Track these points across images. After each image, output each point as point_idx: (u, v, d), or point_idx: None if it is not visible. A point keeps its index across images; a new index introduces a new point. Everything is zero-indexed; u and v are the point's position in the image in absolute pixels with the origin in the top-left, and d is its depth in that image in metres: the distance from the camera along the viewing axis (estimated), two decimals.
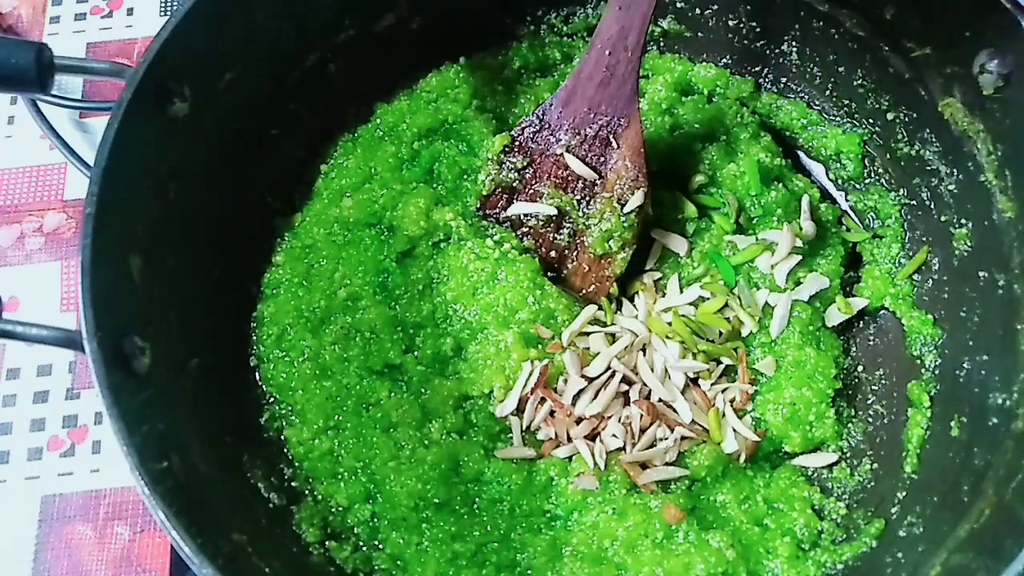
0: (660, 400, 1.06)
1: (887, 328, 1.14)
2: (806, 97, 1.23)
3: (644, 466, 1.04)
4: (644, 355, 1.08)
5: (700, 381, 1.08)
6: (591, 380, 1.05)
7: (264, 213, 1.15)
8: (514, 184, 1.16)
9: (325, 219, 1.15)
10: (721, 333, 1.09)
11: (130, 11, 1.46)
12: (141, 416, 0.84)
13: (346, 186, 1.17)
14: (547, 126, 1.13)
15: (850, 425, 1.09)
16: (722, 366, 1.08)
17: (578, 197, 1.14)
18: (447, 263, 1.12)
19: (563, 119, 1.12)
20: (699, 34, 1.26)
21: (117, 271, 0.91)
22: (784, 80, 1.24)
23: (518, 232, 1.16)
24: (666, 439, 1.04)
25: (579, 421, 1.04)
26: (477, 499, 1.02)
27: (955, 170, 1.06)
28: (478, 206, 1.17)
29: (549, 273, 1.14)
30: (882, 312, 1.14)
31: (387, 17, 1.20)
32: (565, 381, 1.06)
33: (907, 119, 1.12)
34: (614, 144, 1.11)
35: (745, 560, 0.99)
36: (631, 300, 1.14)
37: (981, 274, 1.03)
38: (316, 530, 1.01)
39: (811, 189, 1.17)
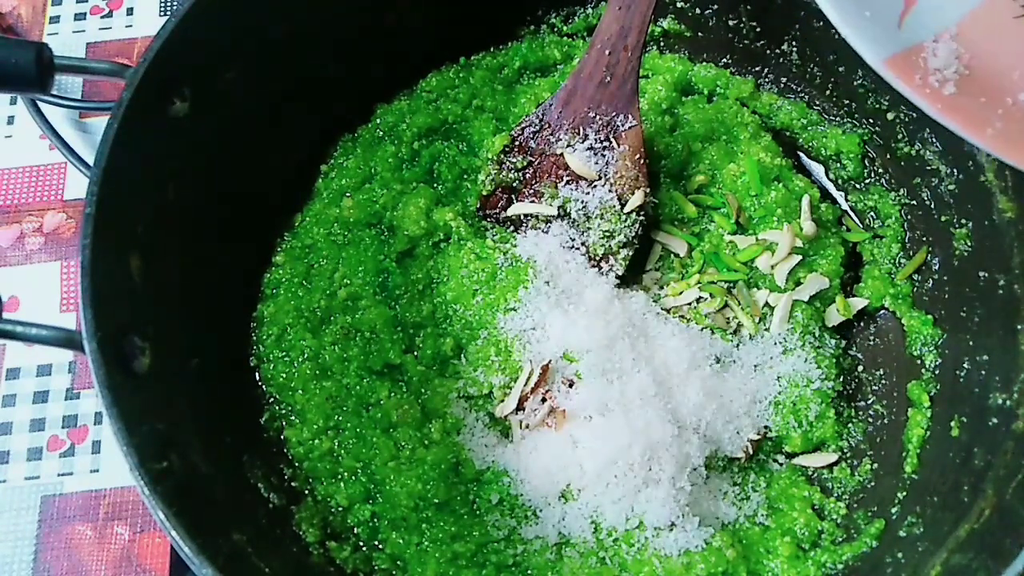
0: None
1: (887, 328, 1.14)
2: (806, 97, 1.23)
3: None
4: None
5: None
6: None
7: (264, 213, 1.15)
8: (514, 184, 1.16)
9: (325, 219, 1.15)
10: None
11: (130, 11, 1.46)
12: (141, 416, 0.84)
13: (346, 186, 1.17)
14: (547, 126, 1.13)
15: (850, 425, 1.09)
16: None
17: (578, 197, 1.13)
18: (447, 263, 1.12)
19: (563, 119, 1.12)
20: (699, 34, 1.26)
21: (117, 271, 0.91)
22: (784, 80, 1.24)
23: (518, 232, 1.16)
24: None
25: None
26: (477, 499, 1.02)
27: (955, 170, 1.06)
28: (478, 206, 1.17)
29: None
30: (882, 312, 1.14)
31: (387, 17, 1.20)
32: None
33: (907, 119, 1.12)
34: (614, 144, 1.11)
35: (745, 560, 0.98)
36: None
37: (981, 274, 1.03)
38: (316, 530, 1.01)
39: (811, 189, 1.17)
